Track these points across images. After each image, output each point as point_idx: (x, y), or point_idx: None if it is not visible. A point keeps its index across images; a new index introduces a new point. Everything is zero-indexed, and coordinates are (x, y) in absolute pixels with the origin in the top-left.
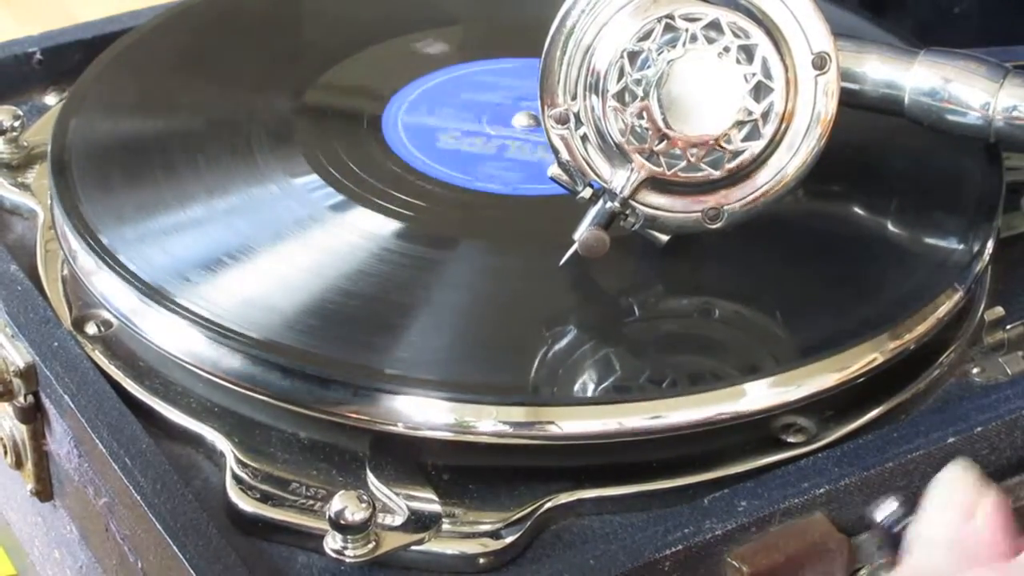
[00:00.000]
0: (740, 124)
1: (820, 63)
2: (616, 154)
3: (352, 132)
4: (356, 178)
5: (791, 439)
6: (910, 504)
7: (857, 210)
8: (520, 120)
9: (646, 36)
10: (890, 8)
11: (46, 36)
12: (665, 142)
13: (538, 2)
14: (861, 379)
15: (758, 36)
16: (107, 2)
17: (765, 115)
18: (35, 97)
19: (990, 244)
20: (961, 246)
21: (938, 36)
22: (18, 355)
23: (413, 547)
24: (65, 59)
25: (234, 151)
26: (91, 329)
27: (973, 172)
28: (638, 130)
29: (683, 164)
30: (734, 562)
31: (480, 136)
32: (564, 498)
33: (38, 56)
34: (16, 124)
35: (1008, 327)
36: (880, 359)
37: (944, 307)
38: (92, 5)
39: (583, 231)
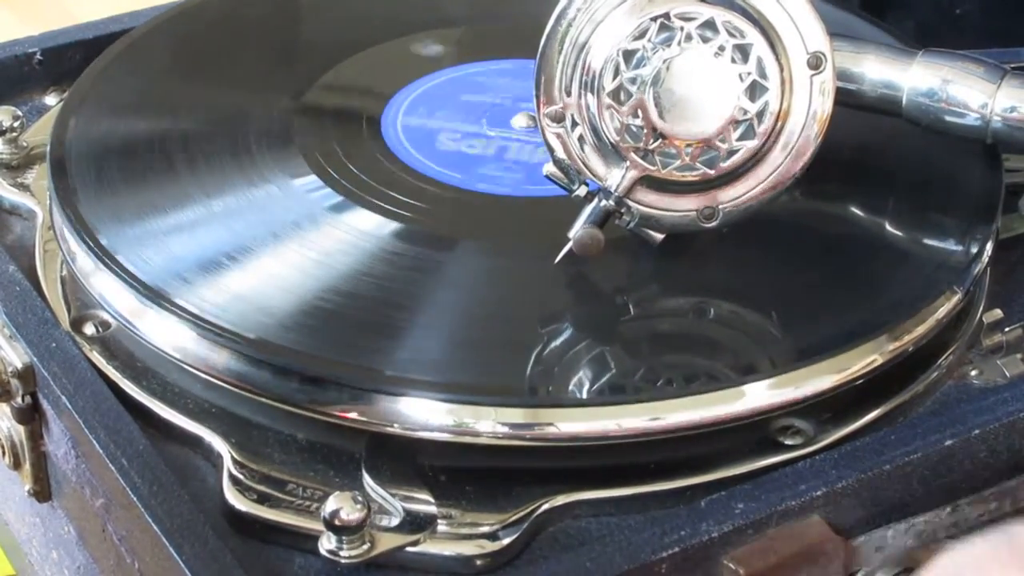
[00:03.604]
0: (735, 123)
1: (816, 63)
2: (611, 152)
3: (351, 133)
4: (355, 179)
5: (789, 441)
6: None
7: (855, 211)
8: (519, 121)
9: (642, 35)
10: (891, 9)
11: (46, 36)
12: (660, 141)
13: (537, 3)
14: (860, 381)
15: (753, 36)
16: (107, 2)
17: (760, 114)
18: (35, 97)
19: (989, 246)
20: (960, 248)
21: (939, 37)
22: (16, 356)
23: (409, 548)
24: (65, 59)
25: (233, 152)
26: (89, 330)
27: (972, 174)
28: (633, 129)
29: (678, 163)
30: (731, 564)
31: (479, 137)
32: (561, 500)
33: (38, 56)
34: (16, 124)
35: (1007, 329)
36: (879, 360)
37: (943, 309)
38: (92, 5)
39: (578, 229)
